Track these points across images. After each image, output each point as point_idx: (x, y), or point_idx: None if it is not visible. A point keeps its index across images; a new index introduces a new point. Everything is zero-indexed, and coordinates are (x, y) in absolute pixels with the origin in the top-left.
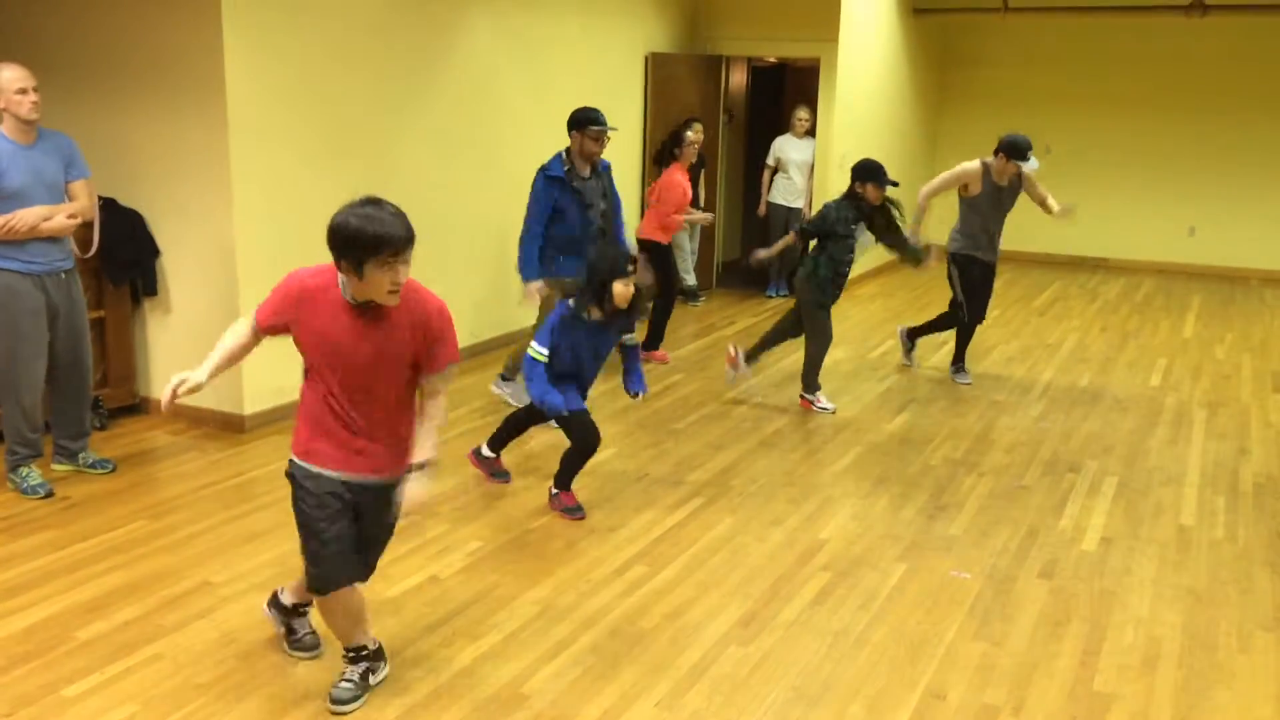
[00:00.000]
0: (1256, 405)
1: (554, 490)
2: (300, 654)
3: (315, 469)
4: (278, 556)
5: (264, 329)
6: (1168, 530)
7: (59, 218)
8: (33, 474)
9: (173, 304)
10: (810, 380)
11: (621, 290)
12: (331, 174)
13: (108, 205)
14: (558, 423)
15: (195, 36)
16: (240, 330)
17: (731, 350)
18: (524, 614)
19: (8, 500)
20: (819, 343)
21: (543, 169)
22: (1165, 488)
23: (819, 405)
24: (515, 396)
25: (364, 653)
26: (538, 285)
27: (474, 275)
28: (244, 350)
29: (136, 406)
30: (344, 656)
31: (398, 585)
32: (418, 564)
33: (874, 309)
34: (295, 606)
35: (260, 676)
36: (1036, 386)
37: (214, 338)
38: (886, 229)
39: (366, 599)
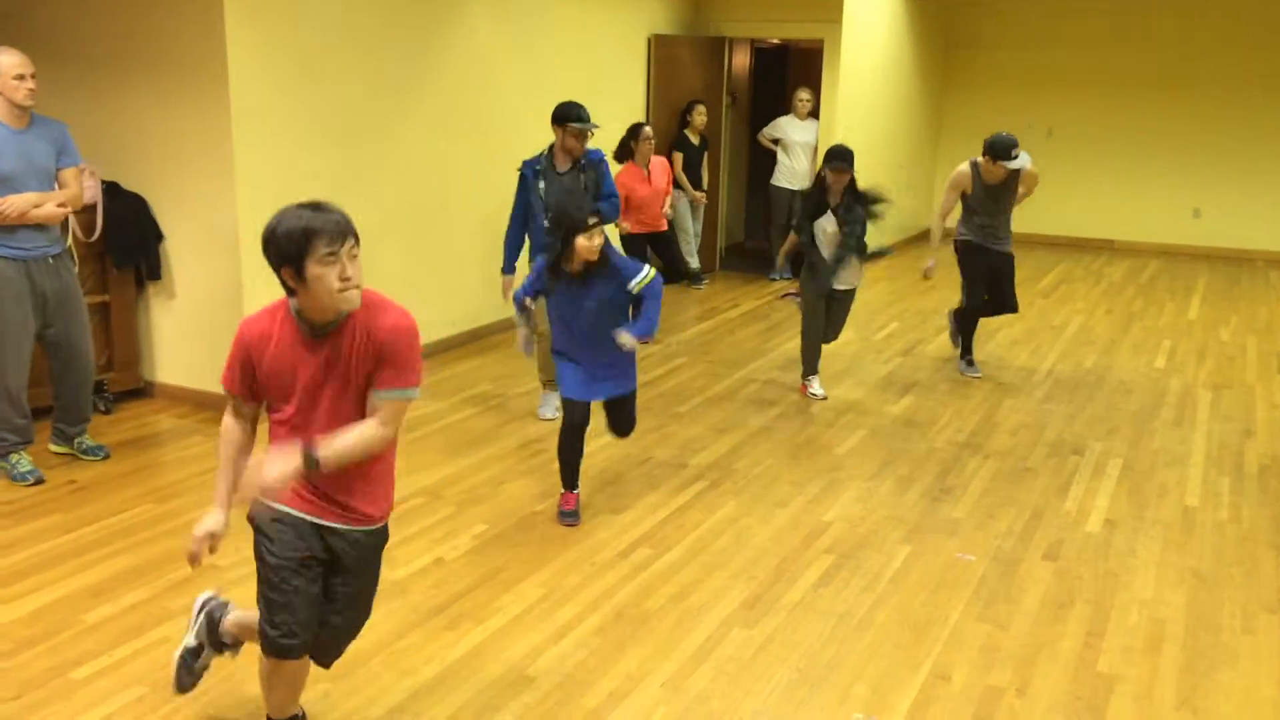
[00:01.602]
0: (1261, 387)
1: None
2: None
3: (283, 509)
4: None
5: (234, 390)
6: (1172, 512)
7: (49, 205)
8: (22, 461)
9: (177, 288)
10: (807, 366)
11: (584, 244)
12: (333, 158)
13: (111, 189)
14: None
15: (198, 21)
16: (226, 427)
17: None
18: (529, 596)
19: (13, 485)
20: (805, 328)
21: (522, 164)
22: (1170, 469)
23: (810, 390)
24: (544, 409)
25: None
26: (508, 279)
27: (472, 260)
28: (244, 442)
29: (141, 390)
30: None
31: (403, 568)
32: (423, 547)
33: (878, 292)
34: (224, 642)
35: None
36: (1041, 369)
37: (218, 321)
38: (848, 219)
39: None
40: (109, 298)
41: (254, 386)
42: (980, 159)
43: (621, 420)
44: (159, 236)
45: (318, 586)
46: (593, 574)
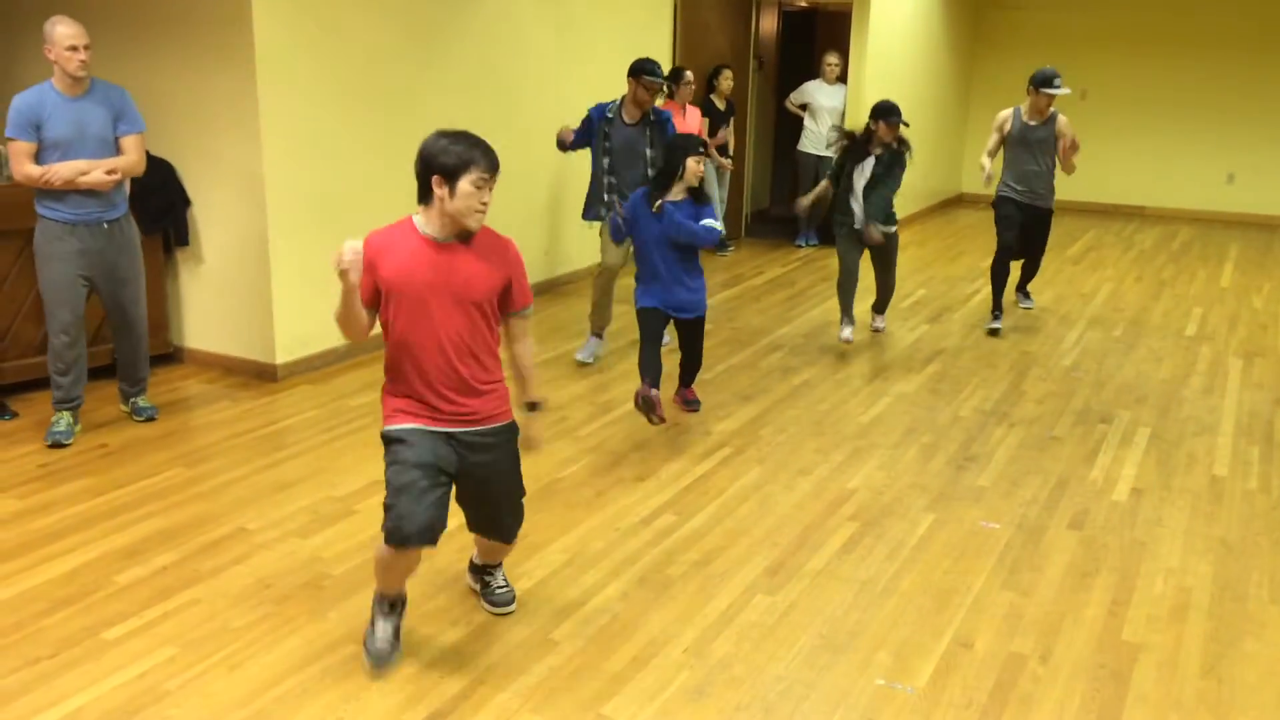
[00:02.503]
0: None
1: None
2: (498, 610)
3: (409, 426)
4: (310, 505)
5: (366, 297)
6: (1200, 481)
7: (96, 173)
8: (60, 420)
9: (204, 254)
10: (841, 310)
11: (694, 166)
12: (360, 122)
13: None
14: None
15: None
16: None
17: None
18: (553, 562)
19: (47, 450)
20: (840, 273)
21: (591, 108)
22: (1198, 438)
23: (842, 335)
24: (591, 353)
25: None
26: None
27: (501, 222)
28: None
29: (170, 356)
30: (382, 604)
31: None
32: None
33: (905, 258)
34: (485, 566)
35: (295, 621)
36: (1069, 336)
37: (246, 287)
38: (887, 174)
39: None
40: None
41: (374, 294)
42: (1024, 104)
43: (693, 341)
44: (186, 202)
45: (443, 488)
46: (616, 540)
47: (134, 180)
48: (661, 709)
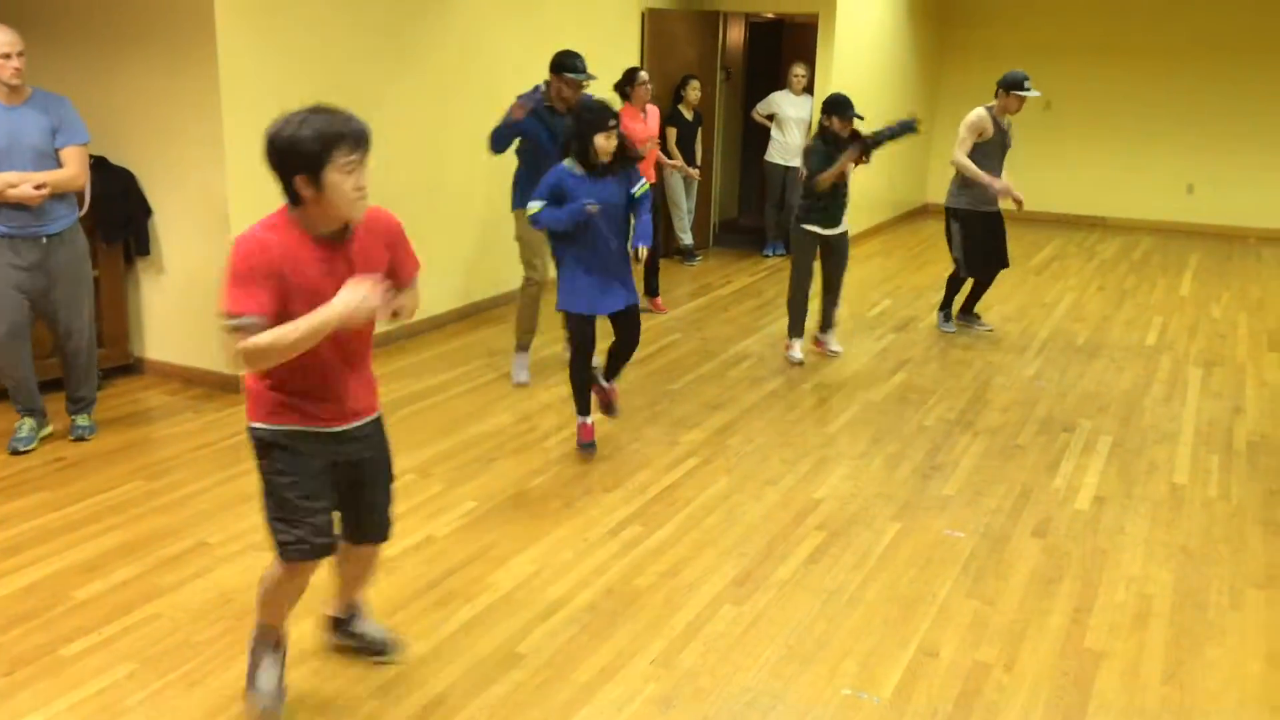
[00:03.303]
0: (1252, 364)
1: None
2: (379, 659)
3: (298, 427)
4: None
5: (266, 311)
6: (1161, 489)
7: (24, 187)
8: (21, 427)
9: (166, 263)
10: (793, 325)
11: (603, 143)
12: None
13: (99, 164)
14: (565, 324)
15: None
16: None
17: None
18: (520, 573)
19: (4, 460)
20: (793, 279)
21: (521, 95)
22: (1159, 446)
23: (790, 353)
24: (517, 372)
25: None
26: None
27: (469, 232)
28: None
29: (131, 367)
30: (263, 642)
31: (394, 545)
32: (414, 524)
33: (871, 268)
34: (351, 614)
35: None
36: (1032, 345)
37: (207, 297)
38: (873, 147)
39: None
40: (97, 273)
41: (278, 300)
42: (993, 103)
43: (630, 330)
44: (147, 211)
45: (334, 490)
46: (584, 551)
47: (94, 189)
48: None
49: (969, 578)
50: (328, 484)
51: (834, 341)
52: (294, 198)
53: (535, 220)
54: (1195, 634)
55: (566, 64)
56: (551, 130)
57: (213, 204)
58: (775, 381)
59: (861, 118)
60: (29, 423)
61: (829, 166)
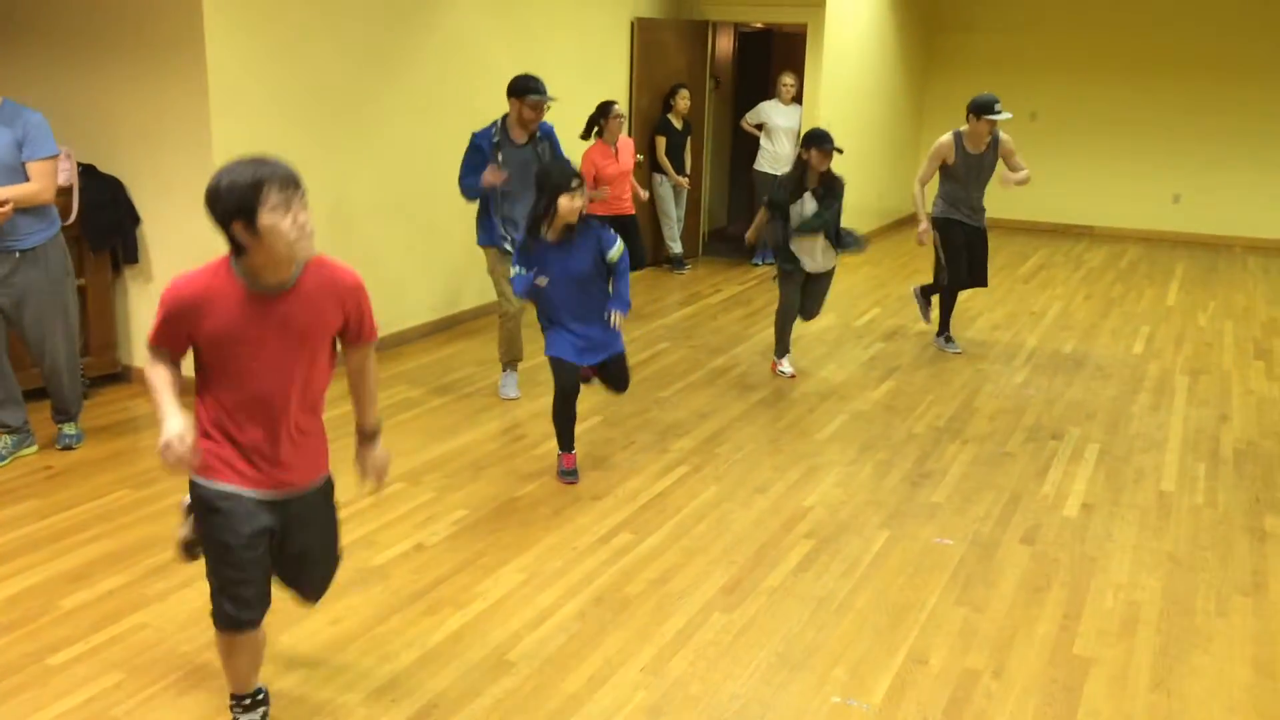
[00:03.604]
0: (1238, 372)
1: (559, 452)
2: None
3: (230, 488)
4: None
5: (166, 346)
6: (1148, 496)
7: None
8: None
9: (154, 272)
10: (779, 345)
11: (567, 204)
12: (314, 140)
13: (87, 172)
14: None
15: (175, 1)
16: (157, 370)
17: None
18: (510, 581)
19: None
20: (780, 308)
21: (473, 135)
22: (1146, 454)
23: (780, 369)
24: (506, 389)
25: (259, 696)
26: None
27: (456, 243)
28: (176, 377)
29: (119, 375)
30: (236, 706)
31: (384, 553)
32: (404, 532)
33: (860, 277)
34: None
35: None
36: (1020, 354)
37: None
38: (826, 204)
39: (352, 568)
40: (85, 281)
41: (186, 345)
42: (964, 127)
43: (617, 378)
44: (136, 219)
45: (269, 557)
46: (573, 559)
47: (82, 197)
48: None
49: (958, 585)
50: (261, 552)
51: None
52: (237, 248)
53: (515, 287)
54: (1183, 641)
55: (529, 86)
56: (502, 168)
57: (201, 213)
58: (765, 390)
59: (841, 150)
60: (6, 438)
61: (790, 202)
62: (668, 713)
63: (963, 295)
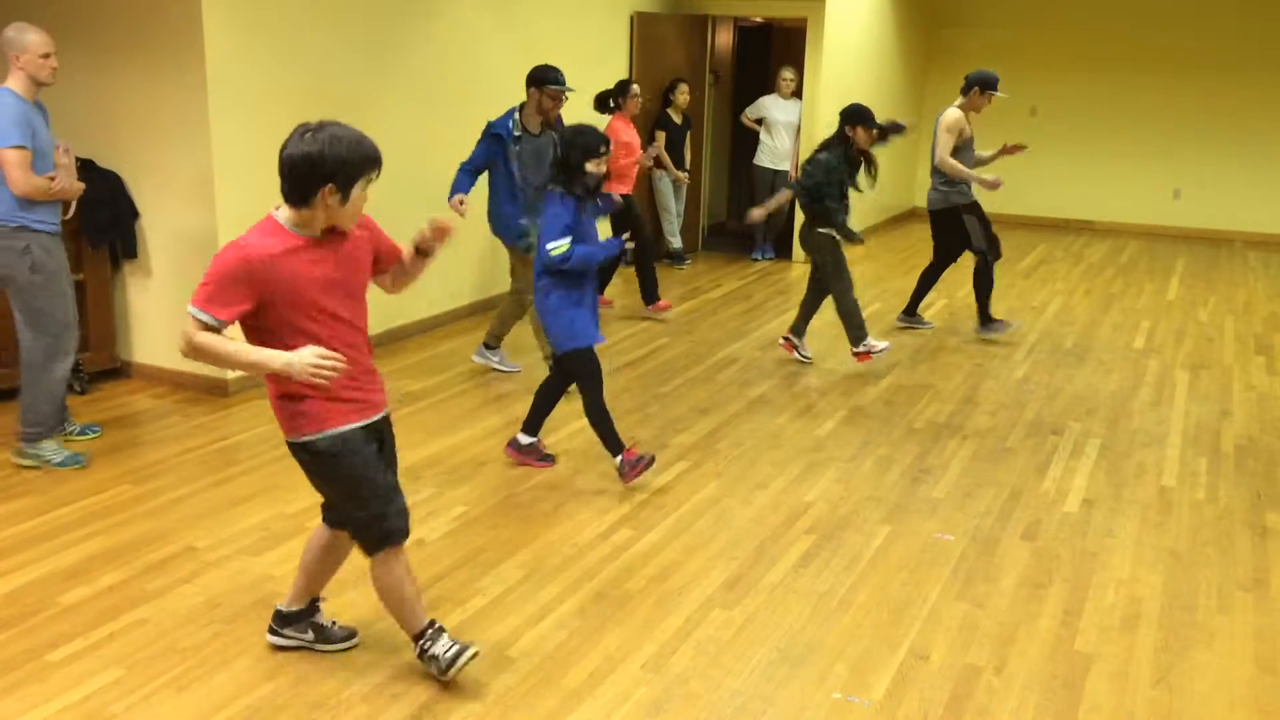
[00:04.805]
0: (1239, 367)
1: (617, 456)
2: (339, 647)
3: (344, 429)
4: (261, 522)
5: (228, 319)
6: (1149, 492)
7: None
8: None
9: (153, 267)
10: (857, 330)
11: (594, 169)
12: None
13: (86, 166)
14: (568, 365)
15: None
16: (207, 334)
17: (782, 341)
18: (510, 578)
19: None
20: (843, 290)
21: (489, 124)
22: (1147, 449)
23: (875, 350)
24: (502, 363)
25: (434, 622)
26: (458, 198)
27: (459, 235)
28: None
29: (118, 370)
30: (424, 640)
31: None
32: None
33: (861, 270)
34: (305, 609)
35: (245, 641)
36: (1021, 349)
37: None
38: (854, 184)
39: (348, 565)
40: (83, 276)
41: (249, 306)
42: (963, 100)
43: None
44: (135, 214)
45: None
46: (573, 555)
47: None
48: None
49: (959, 581)
50: (384, 468)
51: (805, 347)
52: (303, 201)
53: (565, 259)
54: (1184, 637)
55: (549, 77)
56: (520, 158)
57: (201, 208)
58: (765, 385)
59: (901, 128)
60: (49, 444)
61: (842, 184)
62: (668, 709)
63: (961, 291)
